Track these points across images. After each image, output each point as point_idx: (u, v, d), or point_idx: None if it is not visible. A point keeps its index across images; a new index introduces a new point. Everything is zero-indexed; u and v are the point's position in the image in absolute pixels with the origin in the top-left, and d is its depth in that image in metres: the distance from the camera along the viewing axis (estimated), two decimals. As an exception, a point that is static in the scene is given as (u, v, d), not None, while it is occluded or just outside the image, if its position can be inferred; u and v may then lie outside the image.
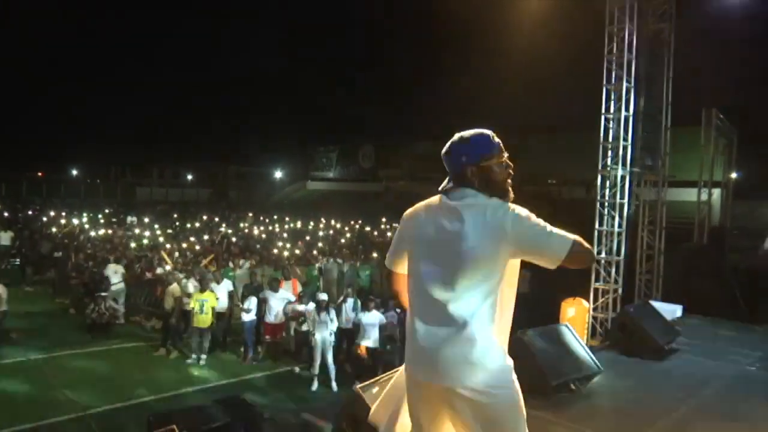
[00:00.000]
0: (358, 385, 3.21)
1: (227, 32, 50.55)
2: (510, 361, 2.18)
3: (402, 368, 2.52)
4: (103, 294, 11.91)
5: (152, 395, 8.56)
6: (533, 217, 2.07)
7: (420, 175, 38.10)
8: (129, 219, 24.44)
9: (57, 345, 10.60)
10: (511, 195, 2.19)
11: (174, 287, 10.91)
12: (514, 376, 2.18)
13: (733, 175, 17.04)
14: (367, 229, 24.53)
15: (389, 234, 23.12)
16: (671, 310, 8.05)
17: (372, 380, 3.32)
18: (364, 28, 44.64)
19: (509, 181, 2.19)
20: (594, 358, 4.85)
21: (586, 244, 2.08)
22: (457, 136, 2.22)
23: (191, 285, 11.04)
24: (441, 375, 2.09)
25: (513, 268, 2.16)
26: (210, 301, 10.47)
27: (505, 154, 2.19)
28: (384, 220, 26.37)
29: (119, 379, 9.33)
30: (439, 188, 2.24)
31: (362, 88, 41.89)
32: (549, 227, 2.05)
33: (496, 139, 2.19)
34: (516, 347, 4.45)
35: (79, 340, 11.05)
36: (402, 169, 39.87)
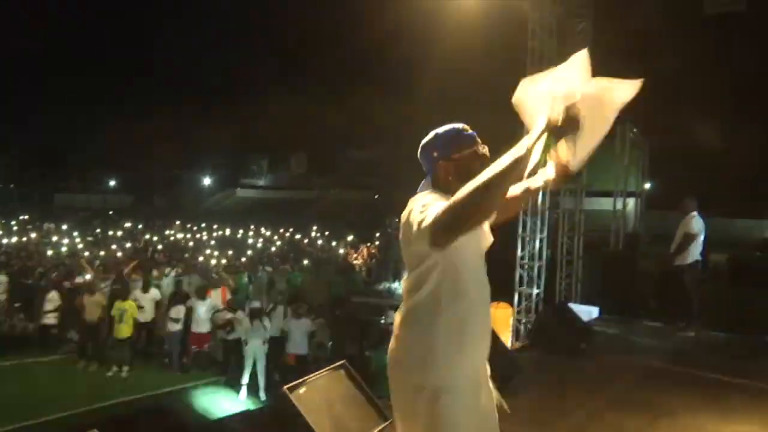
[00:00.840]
0: (286, 386, 3.24)
1: (152, 33, 49.12)
2: (439, 372, 1.93)
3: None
4: (16, 305, 11.32)
5: (69, 411, 8.17)
6: (430, 199, 1.89)
7: (353, 182, 38.33)
8: (46, 226, 23.20)
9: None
10: None
11: (98, 296, 10.51)
12: (436, 392, 1.92)
13: (647, 186, 18.10)
14: (298, 236, 24.37)
15: (320, 242, 23.06)
16: (588, 312, 8.50)
17: (299, 381, 3.35)
18: (298, 31, 44.51)
19: None
20: (514, 358, 5.08)
21: (464, 195, 1.68)
22: (430, 134, 2.15)
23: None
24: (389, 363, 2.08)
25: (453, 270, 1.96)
26: (130, 310, 10.14)
27: (482, 147, 2.10)
28: (315, 228, 26.29)
29: (33, 395, 8.82)
30: (418, 190, 2.13)
31: (295, 93, 41.64)
32: (433, 205, 1.81)
33: (469, 131, 2.13)
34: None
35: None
36: (335, 177, 39.89)
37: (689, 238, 7.05)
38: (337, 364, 3.60)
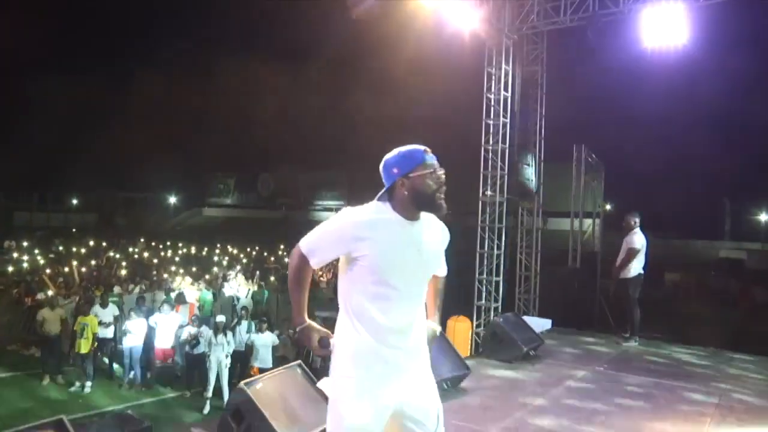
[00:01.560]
0: (243, 382, 3.46)
1: (119, 49, 48.86)
2: (339, 360, 2.22)
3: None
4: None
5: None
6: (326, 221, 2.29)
7: (318, 204, 38.68)
8: (6, 243, 22.78)
9: None
10: (443, 208, 2.29)
11: (59, 311, 10.50)
12: (339, 373, 2.22)
13: (608, 207, 18.68)
14: (265, 254, 24.47)
15: (286, 259, 23.18)
16: (541, 324, 8.89)
17: (256, 377, 3.58)
18: (265, 54, 44.82)
19: (440, 194, 2.26)
20: (464, 361, 5.39)
21: (296, 252, 2.26)
22: (393, 151, 2.32)
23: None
24: None
25: (357, 274, 2.22)
26: (91, 325, 10.17)
27: (440, 171, 2.28)
28: (282, 246, 26.36)
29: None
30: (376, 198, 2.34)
31: (263, 115, 41.81)
32: (317, 228, 2.27)
33: (430, 154, 2.29)
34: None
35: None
36: (300, 198, 40.13)
37: (632, 252, 7.49)
38: (293, 363, 3.83)
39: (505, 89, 10.67)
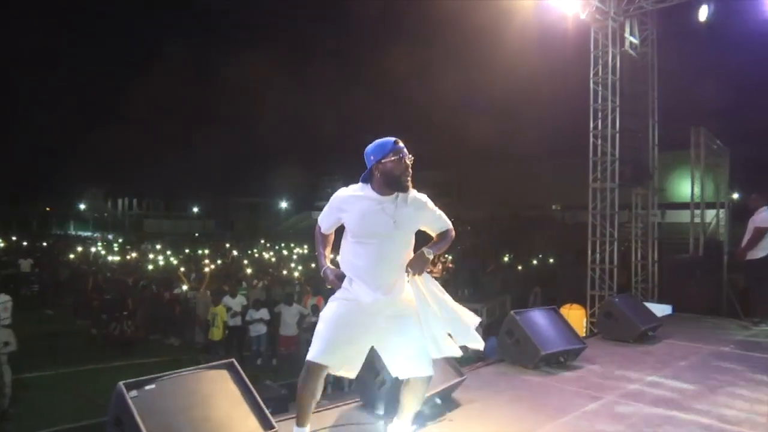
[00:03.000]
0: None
1: (238, 69, 51.93)
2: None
3: None
4: (125, 313, 12.55)
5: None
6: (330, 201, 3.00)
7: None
8: (143, 246, 25.19)
9: (83, 361, 11.21)
10: (408, 186, 2.85)
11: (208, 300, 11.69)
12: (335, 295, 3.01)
13: (735, 196, 17.28)
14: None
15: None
16: (661, 309, 8.62)
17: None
18: (362, 54, 45.92)
19: (405, 176, 2.83)
20: (579, 336, 5.45)
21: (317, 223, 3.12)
22: (373, 142, 2.90)
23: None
24: None
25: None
26: (221, 314, 11.11)
27: (407, 157, 2.83)
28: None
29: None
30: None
31: (365, 117, 42.94)
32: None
33: (400, 144, 2.85)
34: (511, 324, 5.08)
35: (103, 356, 11.63)
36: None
37: (759, 231, 7.14)
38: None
39: (613, 73, 10.43)
